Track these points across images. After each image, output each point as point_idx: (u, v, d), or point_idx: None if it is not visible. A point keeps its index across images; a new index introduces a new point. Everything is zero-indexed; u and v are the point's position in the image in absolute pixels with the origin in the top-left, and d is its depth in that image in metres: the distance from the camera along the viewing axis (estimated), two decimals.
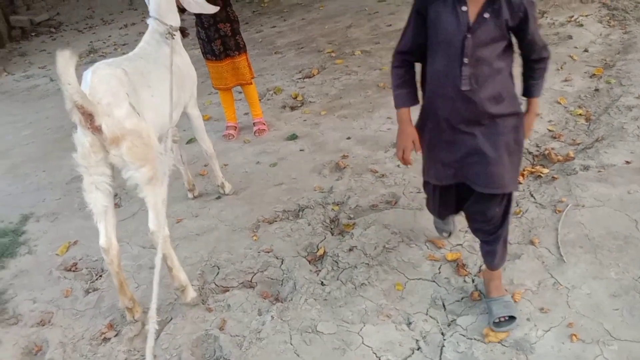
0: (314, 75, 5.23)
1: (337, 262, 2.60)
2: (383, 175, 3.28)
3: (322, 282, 2.49)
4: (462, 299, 2.30)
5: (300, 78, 5.23)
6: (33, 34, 9.42)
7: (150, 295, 2.61)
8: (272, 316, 2.33)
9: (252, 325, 2.32)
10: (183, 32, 3.04)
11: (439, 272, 2.44)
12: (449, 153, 1.96)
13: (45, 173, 4.17)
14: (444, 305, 2.28)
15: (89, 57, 7.52)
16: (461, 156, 1.93)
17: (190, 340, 2.30)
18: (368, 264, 2.55)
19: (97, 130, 2.21)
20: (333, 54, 5.68)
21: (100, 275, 2.85)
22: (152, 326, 1.61)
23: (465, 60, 1.76)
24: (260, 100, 4.78)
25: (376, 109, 4.23)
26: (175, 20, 2.88)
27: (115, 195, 3.62)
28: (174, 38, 2.78)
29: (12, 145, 4.82)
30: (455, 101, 1.83)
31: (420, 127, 2.03)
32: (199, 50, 4.05)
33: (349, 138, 3.85)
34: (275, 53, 6.18)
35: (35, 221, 3.49)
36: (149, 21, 2.83)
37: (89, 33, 9.08)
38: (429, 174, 2.12)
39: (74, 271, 2.93)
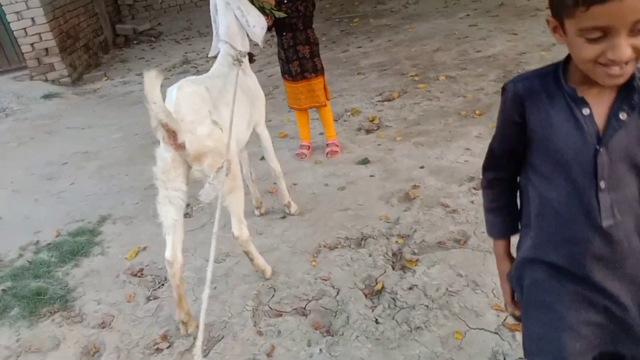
0: (394, 99, 5.14)
1: (394, 299, 2.49)
2: (454, 210, 3.12)
3: (376, 320, 2.39)
4: None
5: (379, 101, 5.16)
6: (135, 42, 10.07)
7: (207, 310, 2.65)
8: (320, 349, 2.26)
9: (299, 356, 2.26)
10: (251, 57, 3.14)
11: (504, 325, 2.26)
12: (574, 313, 1.25)
13: (128, 177, 4.39)
14: None
15: (181, 68, 7.92)
16: (594, 320, 1.24)
17: None
18: (427, 306, 2.41)
19: (180, 147, 2.30)
20: (416, 78, 5.57)
21: (162, 284, 2.92)
22: None
23: (602, 184, 1.17)
24: (336, 121, 4.78)
25: (455, 138, 4.07)
26: (244, 45, 2.98)
27: (187, 205, 3.75)
28: (241, 64, 2.86)
29: (103, 147, 5.13)
30: (590, 243, 1.21)
31: (516, 279, 1.38)
32: (279, 69, 4.11)
33: (422, 167, 3.72)
34: (357, 74, 6.16)
35: (112, 223, 3.66)
36: (220, 44, 2.92)
37: (185, 44, 9.57)
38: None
39: (139, 277, 3.03)
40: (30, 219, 3.82)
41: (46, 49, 7.27)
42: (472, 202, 3.17)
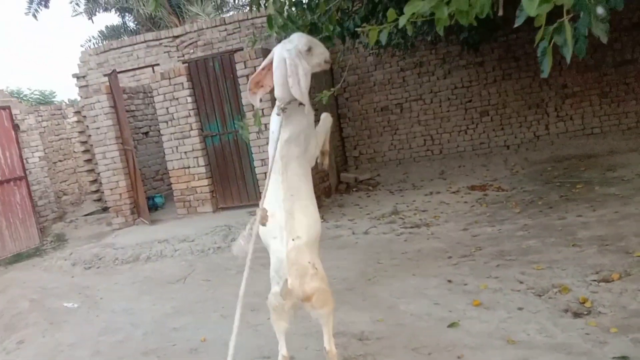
0: (613, 280, 4.52)
1: None
2: None
3: None
4: None
5: (594, 280, 4.59)
6: (354, 189, 10.99)
7: None
8: None
9: None
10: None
11: None
12: None
13: None
14: None
15: (390, 217, 8.29)
16: None
17: None
18: None
19: None
20: None
21: None
22: None
23: None
24: (540, 296, 4.39)
25: None
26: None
27: None
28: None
29: None
30: None
31: None
32: None
33: None
34: (572, 245, 5.63)
35: None
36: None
37: (397, 195, 10.07)
38: None
39: None
40: (228, 347, 4.20)
41: None
42: None
